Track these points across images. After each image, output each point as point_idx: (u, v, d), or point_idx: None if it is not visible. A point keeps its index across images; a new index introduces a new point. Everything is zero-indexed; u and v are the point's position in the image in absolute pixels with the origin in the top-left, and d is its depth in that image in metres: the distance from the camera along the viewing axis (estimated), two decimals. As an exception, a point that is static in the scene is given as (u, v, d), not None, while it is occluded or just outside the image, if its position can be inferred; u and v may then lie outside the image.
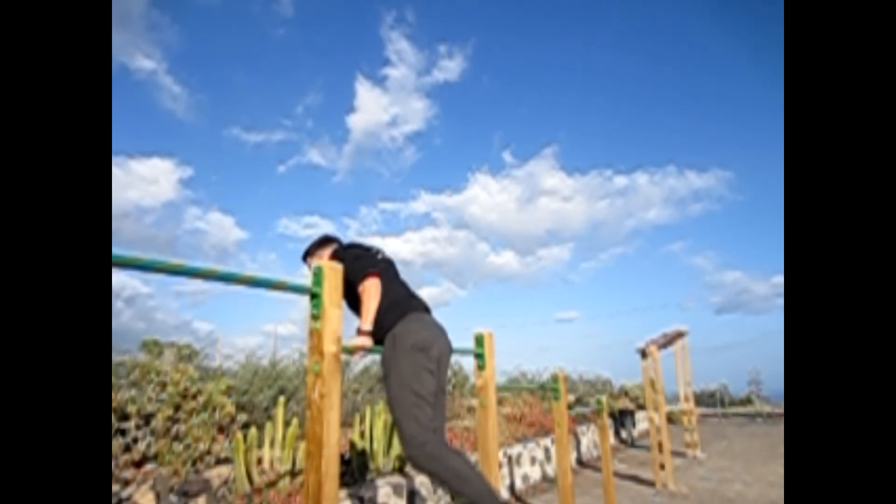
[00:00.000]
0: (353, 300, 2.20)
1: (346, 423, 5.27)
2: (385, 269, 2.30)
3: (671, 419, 10.52)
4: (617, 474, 6.04)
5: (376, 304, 2.11)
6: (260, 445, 3.75)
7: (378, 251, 2.43)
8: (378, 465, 4.05)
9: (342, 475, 4.04)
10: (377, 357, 8.08)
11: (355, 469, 4.00)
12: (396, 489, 3.65)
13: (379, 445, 4.13)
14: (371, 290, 2.12)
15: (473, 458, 4.62)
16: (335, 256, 2.34)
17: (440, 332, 2.20)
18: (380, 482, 3.67)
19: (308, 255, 2.56)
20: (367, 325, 2.08)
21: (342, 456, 4.16)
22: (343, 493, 3.34)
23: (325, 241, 2.58)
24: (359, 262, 2.20)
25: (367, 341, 2.09)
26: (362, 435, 4.17)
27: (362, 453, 4.05)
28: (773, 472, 6.16)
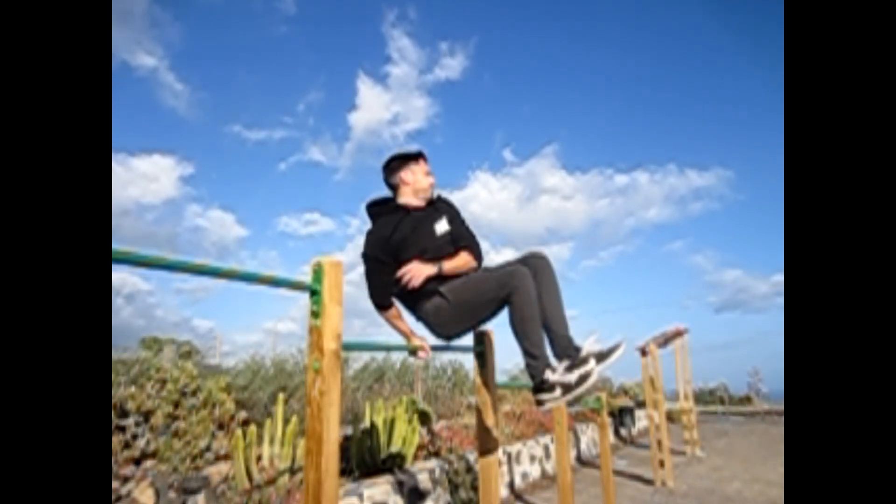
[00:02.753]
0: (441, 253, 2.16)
1: (345, 421, 5.28)
2: None
3: (671, 417, 10.53)
4: (616, 472, 6.05)
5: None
6: (259, 442, 3.75)
7: None
8: (378, 463, 4.06)
9: (342, 472, 4.05)
10: (377, 355, 8.11)
11: (355, 466, 4.01)
12: (396, 486, 3.65)
13: (378, 442, 4.14)
14: (473, 264, 2.15)
15: (473, 456, 4.63)
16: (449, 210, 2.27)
17: None
18: (379, 479, 3.68)
19: (398, 166, 2.28)
20: (446, 268, 2.07)
21: (342, 453, 4.17)
22: (343, 490, 3.35)
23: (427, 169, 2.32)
24: (475, 240, 2.21)
25: (432, 270, 2.06)
26: (362, 432, 4.17)
27: (362, 450, 4.06)
28: (773, 471, 6.17)
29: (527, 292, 1.90)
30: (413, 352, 2.18)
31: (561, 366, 1.85)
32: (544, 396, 1.86)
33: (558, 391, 1.82)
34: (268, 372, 6.21)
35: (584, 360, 1.81)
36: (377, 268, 2.11)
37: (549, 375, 1.83)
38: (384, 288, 2.12)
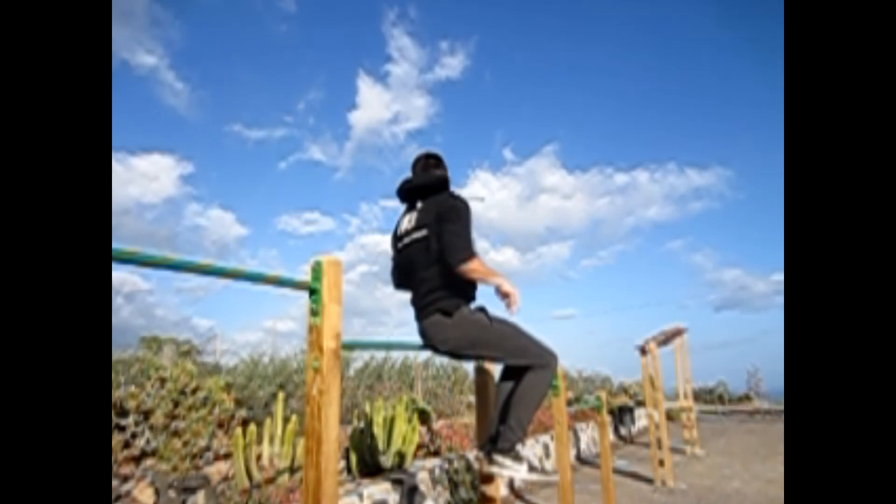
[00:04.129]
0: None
1: (345, 420, 5.28)
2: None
3: (670, 416, 10.53)
4: (616, 471, 6.05)
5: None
6: (259, 442, 3.75)
7: None
8: (377, 461, 4.06)
9: (341, 471, 4.05)
10: (377, 354, 8.11)
11: (355, 466, 4.01)
12: (396, 486, 3.66)
13: (378, 442, 4.14)
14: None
15: (473, 455, 4.63)
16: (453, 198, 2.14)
17: None
18: (379, 479, 3.68)
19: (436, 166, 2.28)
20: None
21: (341, 452, 4.17)
22: (343, 489, 3.35)
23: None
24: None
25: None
26: (362, 431, 4.17)
27: (362, 450, 4.06)
28: (772, 470, 6.18)
29: (552, 377, 2.03)
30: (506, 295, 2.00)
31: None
32: (508, 462, 1.97)
33: (525, 465, 1.96)
34: (267, 371, 6.22)
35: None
36: (470, 225, 2.04)
37: (521, 449, 1.97)
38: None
